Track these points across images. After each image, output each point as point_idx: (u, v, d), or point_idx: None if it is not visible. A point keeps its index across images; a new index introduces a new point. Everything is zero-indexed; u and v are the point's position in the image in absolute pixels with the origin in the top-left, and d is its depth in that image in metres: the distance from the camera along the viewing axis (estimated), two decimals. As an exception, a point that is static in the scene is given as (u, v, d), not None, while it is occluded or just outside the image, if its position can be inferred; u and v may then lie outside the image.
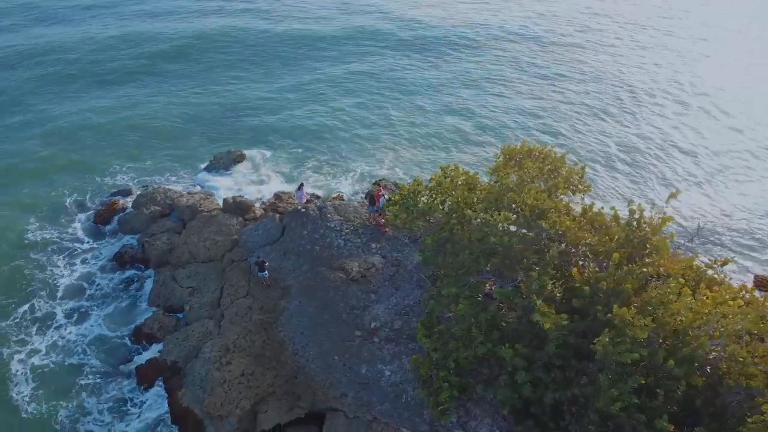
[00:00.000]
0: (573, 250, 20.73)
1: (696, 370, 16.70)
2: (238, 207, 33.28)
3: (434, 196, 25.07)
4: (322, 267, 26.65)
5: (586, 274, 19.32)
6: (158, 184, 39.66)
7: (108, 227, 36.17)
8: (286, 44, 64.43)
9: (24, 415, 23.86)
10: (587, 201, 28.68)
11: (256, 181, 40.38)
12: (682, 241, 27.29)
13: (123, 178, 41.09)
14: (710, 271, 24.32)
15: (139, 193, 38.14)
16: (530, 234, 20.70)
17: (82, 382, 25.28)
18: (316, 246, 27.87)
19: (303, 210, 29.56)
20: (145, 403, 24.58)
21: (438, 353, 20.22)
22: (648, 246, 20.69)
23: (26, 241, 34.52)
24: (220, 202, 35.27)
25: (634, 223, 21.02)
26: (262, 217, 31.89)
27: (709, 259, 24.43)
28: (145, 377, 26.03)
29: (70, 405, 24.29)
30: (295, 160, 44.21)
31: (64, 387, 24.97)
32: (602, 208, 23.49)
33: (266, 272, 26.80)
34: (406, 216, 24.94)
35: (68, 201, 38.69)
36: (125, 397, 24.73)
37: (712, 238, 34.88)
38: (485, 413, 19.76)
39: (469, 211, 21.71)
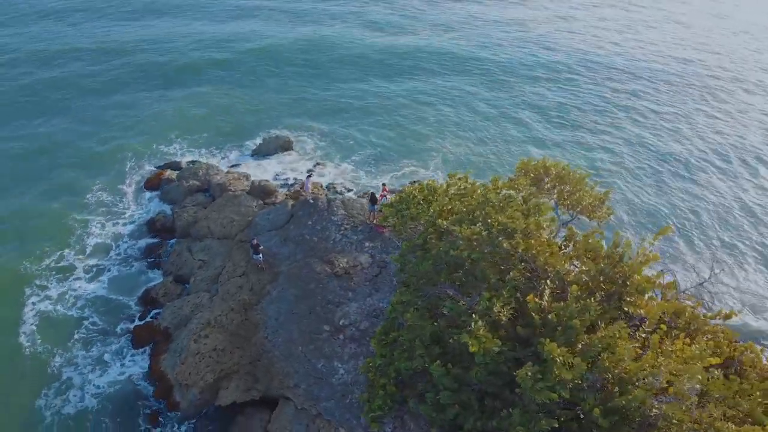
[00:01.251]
0: (542, 276, 19.46)
1: (627, 425, 15.16)
2: (261, 190, 34.37)
3: (430, 202, 24.53)
4: (314, 258, 26.94)
5: (543, 303, 18.11)
6: (206, 161, 41.88)
7: (152, 194, 38.73)
8: (368, 54, 63.87)
9: (24, 352, 26.38)
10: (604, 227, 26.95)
11: (295, 168, 41.38)
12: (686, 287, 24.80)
13: (177, 149, 44.24)
14: (715, 322, 22.19)
15: (184, 166, 40.49)
16: (501, 252, 19.71)
17: (77, 335, 27.45)
18: (314, 237, 28.22)
19: (312, 201, 30.00)
20: (127, 362, 26.19)
21: (383, 360, 19.85)
22: (628, 284, 19.07)
23: (85, 200, 37.89)
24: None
25: (616, 257, 19.45)
26: (281, 203, 32.69)
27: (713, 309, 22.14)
28: (139, 338, 27.70)
29: (62, 352, 26.50)
30: (342, 153, 44.84)
31: (62, 335, 27.28)
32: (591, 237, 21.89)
33: (261, 255, 27.49)
34: (397, 219, 24.63)
35: (129, 166, 42.00)
36: (111, 355, 26.52)
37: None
38: (419, 428, 19.15)
39: (440, 220, 21.05)
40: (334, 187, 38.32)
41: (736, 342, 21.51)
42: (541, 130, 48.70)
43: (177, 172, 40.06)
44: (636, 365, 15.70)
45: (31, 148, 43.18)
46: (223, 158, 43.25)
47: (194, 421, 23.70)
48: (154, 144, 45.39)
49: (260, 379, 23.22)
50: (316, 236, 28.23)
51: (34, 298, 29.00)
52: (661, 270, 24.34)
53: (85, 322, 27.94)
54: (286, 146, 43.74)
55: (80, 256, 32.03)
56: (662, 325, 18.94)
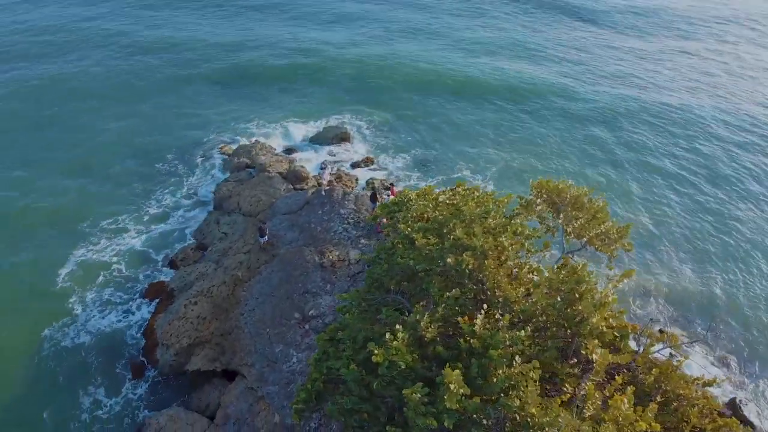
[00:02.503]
0: (490, 300, 18.38)
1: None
2: (294, 175, 35.40)
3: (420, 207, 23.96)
4: (310, 246, 27.34)
5: (476, 328, 17.11)
6: (265, 140, 43.95)
7: (214, 166, 41.40)
8: (451, 74, 59.97)
9: (54, 289, 29.67)
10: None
11: (344, 159, 41.94)
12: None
13: (253, 128, 47.23)
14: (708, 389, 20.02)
15: (243, 143, 42.81)
16: (453, 267, 18.88)
17: (101, 278, 30.45)
18: (318, 226, 28.63)
19: (325, 192, 30.42)
20: (133, 309, 28.73)
21: (323, 356, 19.80)
22: (583, 327, 17.48)
23: (155, 168, 41.44)
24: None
25: (576, 294, 17.85)
26: (306, 189, 33.46)
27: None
28: (150, 292, 29.94)
29: (80, 291, 29.58)
30: (396, 151, 44.72)
31: (88, 277, 30.37)
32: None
33: (266, 237, 28.41)
34: (387, 220, 24.39)
35: (204, 140, 45.27)
36: (120, 301, 29.16)
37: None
38: (339, 428, 18.95)
39: (402, 225, 20.53)
40: (373, 183, 38.33)
41: (718, 414, 19.11)
42: (608, 170, 43.29)
43: (234, 147, 42.40)
44: (540, 412, 14.41)
45: (127, 125, 47.34)
46: (282, 140, 45.18)
47: (164, 378, 25.11)
48: (233, 123, 48.40)
49: (226, 352, 24.11)
50: (320, 226, 28.62)
51: (81, 250, 32.37)
52: (650, 320, 21.80)
53: (113, 269, 31.05)
54: (343, 137, 44.49)
55: (135, 222, 35.09)
56: (618, 377, 17.26)
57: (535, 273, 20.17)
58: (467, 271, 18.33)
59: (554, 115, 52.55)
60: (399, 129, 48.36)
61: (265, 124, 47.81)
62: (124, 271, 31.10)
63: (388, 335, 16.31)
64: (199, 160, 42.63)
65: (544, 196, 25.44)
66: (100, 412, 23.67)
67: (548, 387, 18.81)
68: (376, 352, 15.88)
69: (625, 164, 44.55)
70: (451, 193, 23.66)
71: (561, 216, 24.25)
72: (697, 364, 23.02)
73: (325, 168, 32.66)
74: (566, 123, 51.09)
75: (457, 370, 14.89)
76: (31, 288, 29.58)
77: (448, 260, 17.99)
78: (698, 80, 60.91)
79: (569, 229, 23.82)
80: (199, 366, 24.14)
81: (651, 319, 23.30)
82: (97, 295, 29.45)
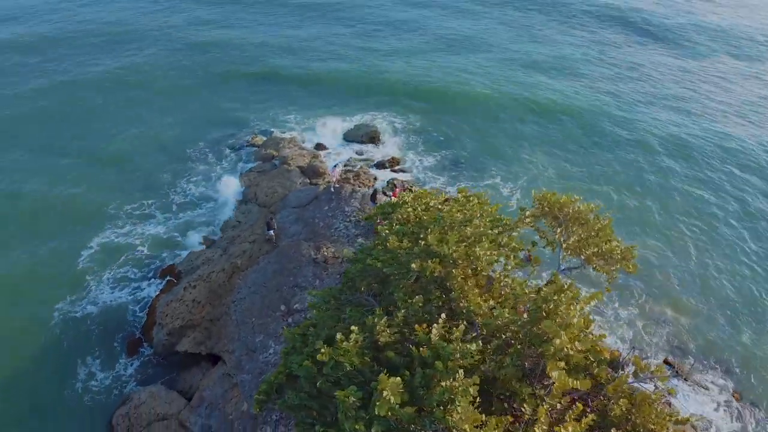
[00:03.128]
0: (455, 310, 17.94)
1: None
2: (312, 170, 35.76)
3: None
4: (310, 241, 27.54)
5: (432, 336, 16.74)
6: (298, 135, 44.78)
7: (244, 157, 42.51)
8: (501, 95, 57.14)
9: (77, 267, 31.22)
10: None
11: (369, 157, 41.97)
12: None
13: (292, 120, 48.64)
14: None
15: (275, 135, 43.71)
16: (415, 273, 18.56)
17: (123, 257, 31.92)
18: (321, 222, 28.81)
19: (334, 189, 30.55)
20: (144, 285, 30.12)
21: (290, 349, 19.93)
22: (546, 348, 16.77)
23: (186, 153, 43.14)
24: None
25: (542, 312, 17.13)
26: (321, 185, 33.76)
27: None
28: (163, 273, 31.10)
29: (98, 270, 31.07)
30: (425, 152, 44.35)
31: (109, 257, 31.85)
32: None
33: (272, 231, 28.86)
34: (383, 220, 24.26)
35: (246, 130, 46.56)
36: (135, 279, 30.63)
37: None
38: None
39: (380, 227, 20.34)
40: (393, 183, 38.12)
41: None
42: (637, 193, 40.60)
43: (264, 138, 43.36)
44: (474, 429, 13.93)
45: (167, 117, 49.05)
46: (314, 135, 45.75)
47: (157, 357, 25.98)
48: (270, 118, 49.41)
49: (212, 336, 24.68)
50: (323, 222, 28.78)
51: (108, 231, 33.91)
52: (632, 347, 20.41)
53: (136, 250, 32.47)
54: (372, 135, 44.53)
55: (163, 209, 36.39)
56: (579, 404, 16.47)
57: (512, 287, 19.48)
58: (433, 278, 17.98)
59: (596, 134, 49.85)
60: (431, 133, 47.75)
61: (301, 121, 48.44)
62: (145, 252, 32.43)
63: (339, 336, 16.19)
64: (230, 151, 43.73)
65: (546, 209, 24.54)
66: (93, 383, 24.79)
67: (515, 406, 18.20)
68: (322, 350, 15.79)
69: (657, 189, 41.84)
70: (445, 198, 23.25)
71: (559, 230, 23.28)
72: (688, 401, 21.49)
73: (336, 164, 32.82)
74: (607, 142, 48.44)
75: (397, 378, 14.58)
76: (52, 265, 31.12)
77: (413, 265, 17.66)
78: (755, 108, 56.67)
79: (565, 245, 22.85)
80: (186, 348, 24.85)
81: (633, 347, 21.92)
82: (114, 273, 30.80)
